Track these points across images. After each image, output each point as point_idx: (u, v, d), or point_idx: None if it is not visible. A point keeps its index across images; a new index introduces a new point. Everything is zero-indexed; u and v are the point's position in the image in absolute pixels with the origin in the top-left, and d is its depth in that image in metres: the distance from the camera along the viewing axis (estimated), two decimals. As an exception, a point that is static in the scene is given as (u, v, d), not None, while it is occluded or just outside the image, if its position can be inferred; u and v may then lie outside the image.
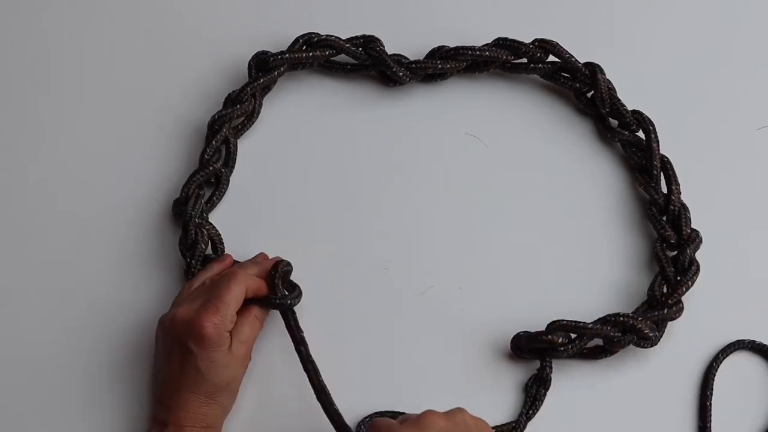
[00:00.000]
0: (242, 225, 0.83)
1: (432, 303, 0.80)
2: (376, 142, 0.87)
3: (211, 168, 0.82)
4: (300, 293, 0.77)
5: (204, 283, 0.75)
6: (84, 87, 0.89)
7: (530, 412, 0.76)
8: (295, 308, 0.76)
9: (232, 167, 0.84)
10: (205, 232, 0.79)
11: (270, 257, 0.80)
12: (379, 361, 0.78)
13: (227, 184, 0.84)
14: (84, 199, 0.84)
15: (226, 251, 0.80)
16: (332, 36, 0.86)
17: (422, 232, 0.83)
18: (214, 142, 0.82)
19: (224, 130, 0.83)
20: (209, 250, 0.80)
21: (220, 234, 0.81)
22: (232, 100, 0.84)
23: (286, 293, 0.75)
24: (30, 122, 0.87)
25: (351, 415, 0.74)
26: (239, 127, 0.86)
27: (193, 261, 0.78)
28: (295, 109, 0.88)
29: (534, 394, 0.77)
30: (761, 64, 0.92)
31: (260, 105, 0.86)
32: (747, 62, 0.92)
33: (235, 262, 0.79)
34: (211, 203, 0.83)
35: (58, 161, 0.85)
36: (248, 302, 0.74)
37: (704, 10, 0.94)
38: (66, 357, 0.78)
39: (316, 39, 0.86)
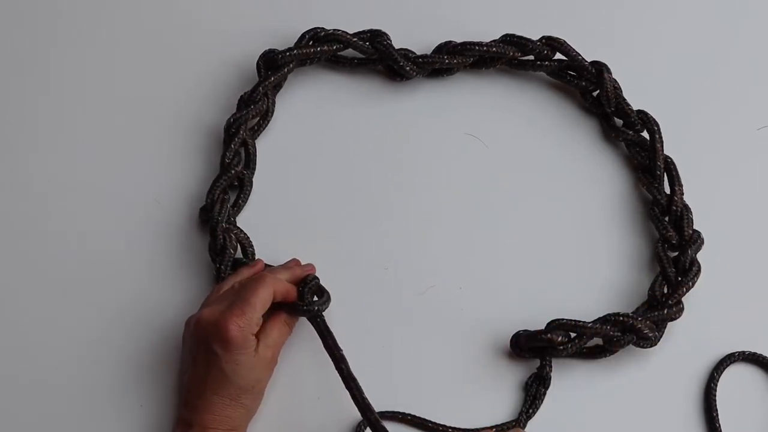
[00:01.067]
0: (260, 225, 0.83)
1: (432, 303, 0.80)
2: (381, 139, 0.87)
3: (233, 171, 0.82)
4: (328, 298, 0.77)
5: (233, 286, 0.75)
6: (90, 92, 0.89)
7: (530, 411, 0.77)
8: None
9: (254, 169, 0.84)
10: (234, 236, 0.79)
11: (285, 258, 0.80)
12: (378, 360, 0.78)
13: (251, 186, 0.84)
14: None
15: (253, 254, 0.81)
16: (339, 30, 0.86)
17: (423, 231, 0.84)
18: (233, 146, 0.82)
19: (241, 132, 0.83)
20: (239, 254, 0.80)
21: (249, 237, 0.81)
22: (245, 101, 0.84)
23: (314, 299, 0.76)
24: (41, 128, 0.87)
25: (351, 415, 0.75)
26: (255, 128, 0.85)
27: (222, 266, 0.78)
28: (303, 104, 0.88)
29: (534, 393, 0.77)
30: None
31: (273, 104, 0.86)
32: (752, 63, 0.92)
33: (267, 266, 0.79)
34: (237, 206, 0.82)
35: (73, 167, 0.85)
36: (277, 308, 0.74)
37: (708, 12, 0.94)
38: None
39: (322, 34, 0.86)
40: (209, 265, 0.80)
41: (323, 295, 0.77)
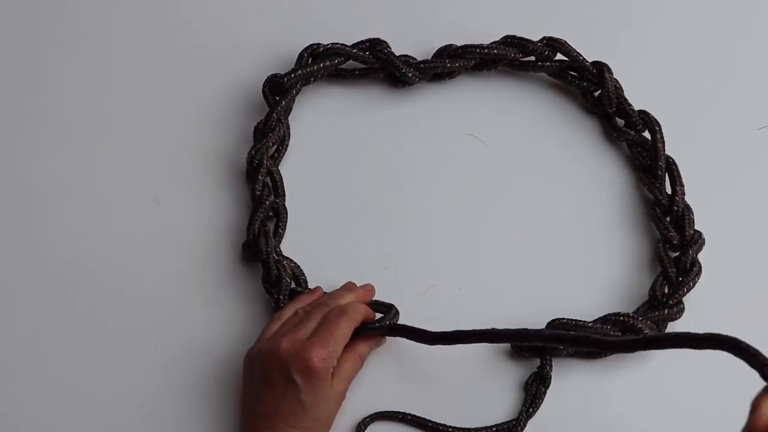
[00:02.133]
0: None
1: (432, 303, 0.81)
2: (387, 145, 0.88)
3: (267, 203, 0.82)
4: (397, 312, 0.78)
5: (297, 313, 0.75)
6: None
7: (530, 410, 0.77)
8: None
9: (284, 195, 0.84)
10: (286, 265, 0.79)
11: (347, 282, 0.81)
12: (379, 360, 0.79)
13: (286, 214, 0.84)
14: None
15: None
16: (337, 44, 0.86)
17: (423, 231, 0.84)
18: (260, 177, 0.82)
19: (264, 162, 0.82)
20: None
21: (300, 266, 0.81)
22: (261, 131, 0.84)
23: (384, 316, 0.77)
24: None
25: (351, 415, 0.76)
26: (275, 155, 0.85)
27: (281, 296, 0.78)
28: (309, 121, 0.88)
29: (534, 392, 0.77)
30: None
31: (288, 127, 0.86)
32: (753, 63, 0.92)
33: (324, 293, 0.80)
34: (278, 236, 0.82)
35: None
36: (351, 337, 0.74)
37: (710, 12, 0.94)
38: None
39: (321, 49, 0.86)
40: (257, 294, 0.81)
41: (391, 309, 0.78)
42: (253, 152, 0.83)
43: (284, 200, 0.84)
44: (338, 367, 0.73)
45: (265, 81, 0.86)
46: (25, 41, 0.93)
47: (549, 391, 0.77)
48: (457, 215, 0.85)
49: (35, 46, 0.93)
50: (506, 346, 0.79)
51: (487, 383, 0.79)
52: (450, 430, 0.76)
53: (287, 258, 0.81)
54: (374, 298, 0.80)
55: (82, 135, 0.88)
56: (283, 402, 0.70)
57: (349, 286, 0.79)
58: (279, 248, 0.82)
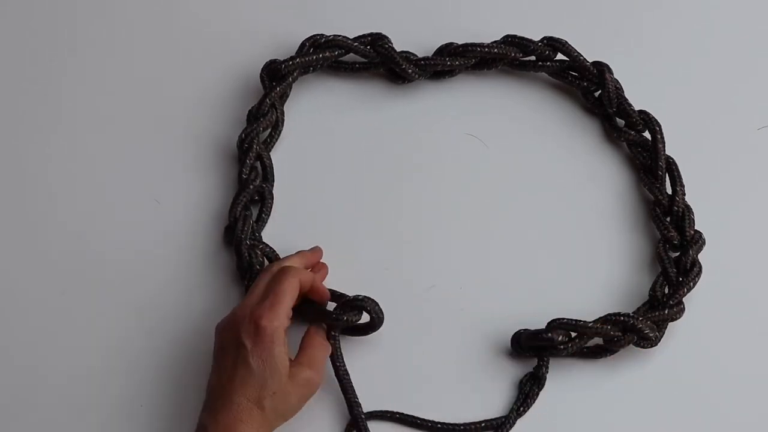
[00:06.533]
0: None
1: (433, 303, 0.81)
2: (384, 142, 0.88)
3: (251, 187, 0.82)
4: (360, 311, 0.76)
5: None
6: (96, 109, 0.89)
7: (521, 409, 0.77)
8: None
9: (272, 181, 0.84)
10: (259, 252, 0.79)
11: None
12: (379, 360, 0.78)
13: (272, 199, 0.83)
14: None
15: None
16: (339, 36, 0.86)
17: (423, 231, 0.84)
18: (248, 161, 0.82)
19: (254, 146, 0.83)
20: None
21: (275, 252, 0.80)
22: (254, 114, 0.84)
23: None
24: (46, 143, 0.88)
25: (344, 414, 0.76)
26: (267, 140, 0.85)
27: (251, 283, 0.77)
28: (307, 112, 0.88)
29: (527, 391, 0.77)
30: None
31: (282, 114, 0.86)
32: (753, 63, 0.92)
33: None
34: (261, 221, 0.82)
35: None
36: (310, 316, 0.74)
37: (710, 12, 0.94)
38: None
39: (323, 40, 0.87)
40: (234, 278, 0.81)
41: (353, 310, 0.76)
42: (243, 135, 0.83)
43: (272, 186, 0.84)
44: (300, 354, 0.72)
45: (264, 66, 0.86)
46: (16, 34, 0.93)
47: (550, 391, 0.77)
48: (456, 215, 0.85)
49: (28, 38, 0.92)
50: (507, 345, 0.79)
51: (488, 383, 0.78)
52: (439, 426, 0.76)
53: (263, 244, 0.80)
54: (373, 298, 0.77)
55: (79, 120, 0.88)
56: (234, 370, 0.69)
57: (298, 254, 0.79)
58: (259, 234, 0.82)
